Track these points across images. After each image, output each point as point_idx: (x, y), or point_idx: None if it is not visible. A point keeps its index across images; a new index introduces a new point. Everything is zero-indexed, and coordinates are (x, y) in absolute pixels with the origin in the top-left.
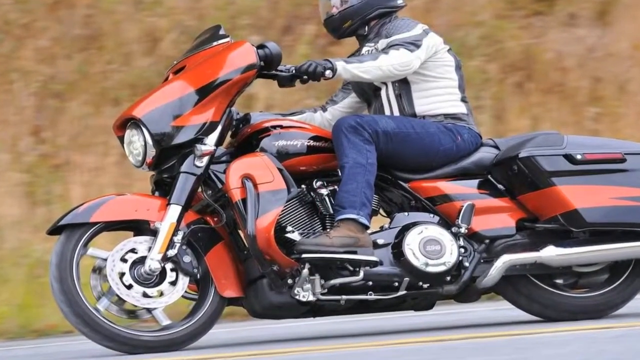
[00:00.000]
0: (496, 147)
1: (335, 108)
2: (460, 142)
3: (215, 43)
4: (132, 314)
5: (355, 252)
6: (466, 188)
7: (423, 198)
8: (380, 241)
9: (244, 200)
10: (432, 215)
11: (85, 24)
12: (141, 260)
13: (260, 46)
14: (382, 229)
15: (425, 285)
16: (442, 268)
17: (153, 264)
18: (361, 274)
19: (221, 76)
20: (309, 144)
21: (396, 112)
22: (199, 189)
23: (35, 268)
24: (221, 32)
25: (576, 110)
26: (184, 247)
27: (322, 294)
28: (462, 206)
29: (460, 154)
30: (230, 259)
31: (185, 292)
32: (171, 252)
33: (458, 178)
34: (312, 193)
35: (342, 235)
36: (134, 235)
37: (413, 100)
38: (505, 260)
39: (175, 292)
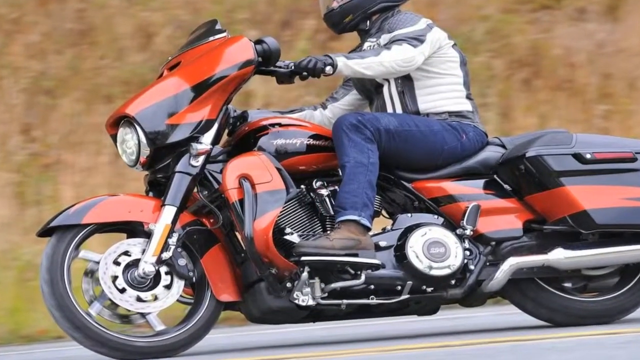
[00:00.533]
0: (502, 146)
1: (336, 105)
2: (465, 140)
3: (211, 38)
4: (126, 318)
5: (356, 255)
6: (471, 188)
7: (427, 199)
8: (382, 243)
9: (241, 201)
10: (436, 216)
11: (77, 19)
12: (135, 263)
13: (258, 41)
14: (384, 230)
15: (429, 289)
16: (446, 271)
17: (147, 267)
18: (363, 277)
19: (218, 72)
20: (308, 142)
21: (399, 110)
22: (195, 190)
23: (25, 271)
24: (217, 26)
25: (585, 107)
26: (179, 249)
27: (322, 298)
28: (467, 207)
29: (466, 153)
30: (227, 262)
31: (181, 296)
32: (166, 255)
33: (463, 178)
34: (311, 193)
35: (342, 237)
36: (127, 238)
37: (416, 97)
38: (511, 263)
39: (170, 296)
